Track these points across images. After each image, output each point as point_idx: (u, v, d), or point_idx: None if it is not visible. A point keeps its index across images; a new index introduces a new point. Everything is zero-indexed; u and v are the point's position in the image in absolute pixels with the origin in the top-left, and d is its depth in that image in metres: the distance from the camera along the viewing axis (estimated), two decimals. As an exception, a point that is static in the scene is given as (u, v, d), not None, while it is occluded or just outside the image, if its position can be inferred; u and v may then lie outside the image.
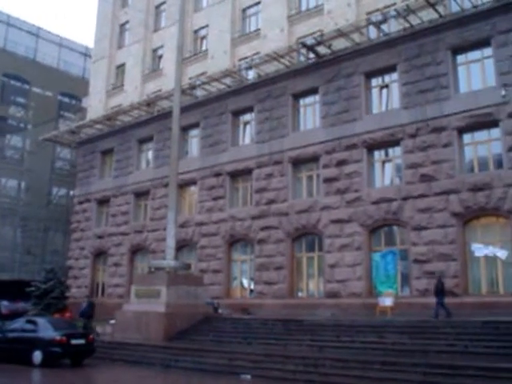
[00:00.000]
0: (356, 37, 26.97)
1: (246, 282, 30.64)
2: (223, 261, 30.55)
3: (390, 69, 26.09)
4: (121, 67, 43.33)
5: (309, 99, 29.29)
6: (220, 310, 26.10)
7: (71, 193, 48.48)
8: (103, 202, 39.48)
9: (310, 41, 28.43)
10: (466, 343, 15.23)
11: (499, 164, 22.41)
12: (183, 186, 32.75)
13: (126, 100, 40.24)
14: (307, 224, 27.13)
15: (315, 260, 27.43)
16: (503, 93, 22.10)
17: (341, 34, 26.56)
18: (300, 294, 27.81)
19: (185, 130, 34.02)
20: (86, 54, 55.26)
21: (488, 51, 23.59)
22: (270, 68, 29.99)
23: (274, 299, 27.38)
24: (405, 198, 24.04)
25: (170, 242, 24.22)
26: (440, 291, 20.15)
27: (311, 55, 28.90)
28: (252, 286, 29.62)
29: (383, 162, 26.15)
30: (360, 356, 15.66)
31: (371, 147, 25.90)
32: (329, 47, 27.43)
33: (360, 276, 24.90)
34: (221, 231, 30.79)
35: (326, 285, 26.06)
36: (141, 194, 36.83)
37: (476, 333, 16.06)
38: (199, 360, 17.66)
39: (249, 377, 15.70)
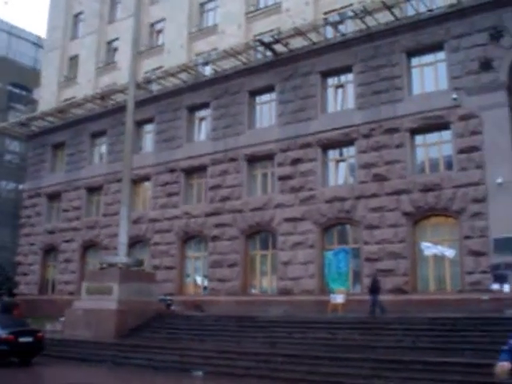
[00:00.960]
0: (313, 36, 27.19)
1: (199, 279, 30.57)
2: (176, 257, 30.39)
3: (346, 69, 26.44)
4: (74, 59, 42.40)
5: (265, 97, 29.40)
6: (173, 307, 25.97)
7: (20, 187, 47.27)
8: (54, 196, 38.67)
9: (267, 38, 28.51)
10: (414, 339, 15.60)
11: (449, 165, 23.01)
12: (137, 181, 32.41)
13: (79, 92, 39.46)
14: (261, 221, 27.25)
15: (269, 257, 27.60)
16: (454, 96, 22.67)
17: (298, 32, 26.75)
18: (253, 291, 27.93)
19: (139, 124, 33.65)
20: (37, 44, 53.99)
21: (441, 55, 24.17)
22: (227, 64, 29.97)
23: (228, 296, 27.41)
24: (358, 198, 24.41)
25: (123, 238, 23.96)
26: (375, 289, 20.61)
27: (268, 53, 29.01)
28: (205, 283, 29.58)
29: (337, 162, 26.51)
30: (311, 352, 15.86)
31: (326, 146, 26.20)
32: (286, 45, 27.59)
33: (312, 274, 25.17)
34: (174, 228, 30.61)
35: (279, 282, 26.25)
36: (93, 189, 36.26)
37: (423, 329, 16.46)
38: (151, 357, 17.56)
39: (201, 373, 15.71)
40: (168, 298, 26.38)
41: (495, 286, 20.72)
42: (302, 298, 24.89)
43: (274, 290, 26.88)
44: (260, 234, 28.01)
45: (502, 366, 4.02)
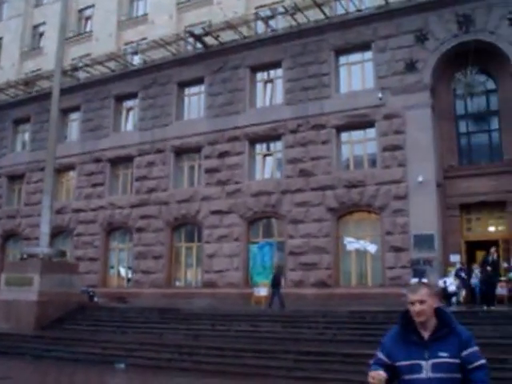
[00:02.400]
0: (244, 30, 27.22)
1: (123, 271, 30.09)
2: (100, 249, 29.77)
3: (275, 64, 26.61)
4: (-3, 42, 40.71)
5: (194, 89, 29.20)
6: (96, 299, 25.45)
7: None
8: (-29, 183, 37.03)
9: (198, 30, 28.32)
10: (335, 331, 15.96)
11: (373, 163, 23.64)
12: (61, 170, 31.49)
13: (1, 77, 37.84)
14: (187, 214, 27.09)
15: (194, 250, 27.50)
16: (380, 95, 23.26)
17: (229, 26, 26.70)
18: (178, 284, 27.76)
19: (65, 112, 32.72)
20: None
21: (368, 55, 24.74)
22: (157, 55, 29.53)
23: (152, 288, 27.12)
24: (283, 192, 24.66)
25: (45, 229, 23.25)
26: (277, 283, 21.07)
27: (199, 45, 28.80)
28: (130, 275, 29.16)
29: (264, 156, 26.71)
30: (234, 344, 15.93)
31: (253, 140, 26.32)
32: (216, 38, 27.47)
33: (237, 267, 25.27)
34: (99, 219, 29.97)
35: (203, 275, 26.21)
36: (15, 178, 34.93)
37: (344, 322, 16.86)
38: (72, 349, 17.18)
39: (123, 365, 15.49)
40: (90, 289, 25.82)
41: (414, 281, 21.42)
42: (227, 290, 24.93)
43: (198, 283, 26.82)
44: (186, 226, 27.86)
45: (378, 374, 3.24)
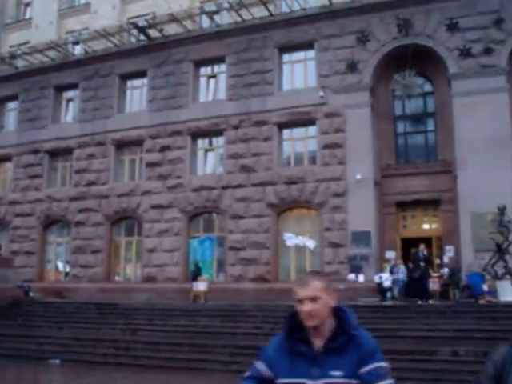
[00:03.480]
0: (188, 24, 27.08)
1: (61, 265, 29.49)
2: (37, 242, 29.04)
3: (219, 60, 26.61)
4: None
5: (137, 82, 28.84)
6: (31, 294, 24.85)
7: None
8: None
9: (141, 22, 27.94)
10: (272, 325, 16.12)
11: (313, 160, 24.01)
12: (-4, 161, 30.61)
13: None
14: (127, 208, 26.79)
15: (134, 244, 27.24)
16: (321, 94, 23.63)
17: (173, 19, 26.48)
18: (117, 278, 27.45)
19: (1, 101, 31.87)
20: None
21: (311, 53, 25.06)
22: (99, 45, 28.97)
23: (90, 283, 26.70)
24: (224, 187, 24.74)
25: (-22, 221, 22.60)
26: (197, 276, 21.38)
27: (142, 37, 28.45)
28: (67, 270, 28.62)
29: (206, 151, 26.70)
30: (172, 339, 15.93)
31: (195, 135, 26.26)
32: (160, 31, 27.22)
33: (177, 261, 25.21)
34: (36, 211, 29.23)
35: (143, 269, 26.02)
36: None
37: (281, 316, 16.96)
38: (6, 345, 16.77)
39: (58, 361, 15.26)
40: (26, 284, 25.20)
41: (351, 276, 21.98)
42: (166, 285, 24.83)
43: (138, 278, 26.60)
44: (126, 220, 27.52)
45: None
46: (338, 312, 2.53)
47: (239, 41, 25.88)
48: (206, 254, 24.74)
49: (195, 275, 21.77)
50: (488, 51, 22.11)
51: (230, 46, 26.06)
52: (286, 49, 25.44)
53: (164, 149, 26.34)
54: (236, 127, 25.03)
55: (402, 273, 20.52)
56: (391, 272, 20.80)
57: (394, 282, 20.49)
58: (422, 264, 19.97)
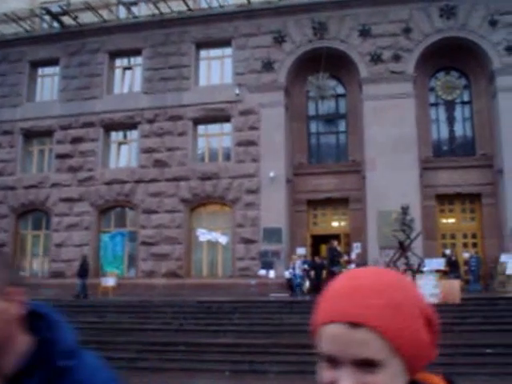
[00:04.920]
0: (105, 14, 26.46)
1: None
2: None
3: (136, 52, 26.21)
4: None
5: (48, 70, 27.86)
6: None
7: None
8: None
9: (55, 8, 26.99)
10: (181, 321, 16.18)
11: (227, 157, 24.17)
12: None
13: None
14: (35, 200, 25.88)
15: (41, 238, 26.38)
16: (237, 91, 23.81)
17: (89, 7, 25.78)
18: (23, 274, 26.48)
19: None
20: None
21: (228, 51, 25.19)
22: (8, 29, 27.74)
23: (-8, 278, 25.58)
24: (137, 181, 24.45)
25: None
26: (84, 272, 21.29)
27: (56, 24, 27.50)
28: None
29: (120, 144, 26.27)
30: (78, 336, 15.57)
31: (109, 127, 25.78)
32: (75, 19, 26.43)
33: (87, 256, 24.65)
34: None
35: (51, 264, 25.27)
36: None
37: (191, 311, 17.15)
38: None
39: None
40: None
41: (262, 272, 22.31)
42: (75, 280, 24.19)
43: (45, 273, 25.80)
44: (33, 213, 26.60)
45: None
46: (35, 323, 1.33)
47: (156, 34, 25.61)
48: (116, 248, 24.33)
49: (84, 271, 21.43)
50: (397, 58, 23.10)
51: (147, 39, 25.74)
52: (203, 45, 25.43)
53: (75, 140, 25.66)
54: (151, 121, 24.79)
55: (298, 268, 20.94)
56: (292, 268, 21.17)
57: (293, 277, 20.85)
58: (340, 260, 20.69)
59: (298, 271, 20.92)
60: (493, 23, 22.86)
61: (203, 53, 25.62)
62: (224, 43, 25.12)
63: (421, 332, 1.01)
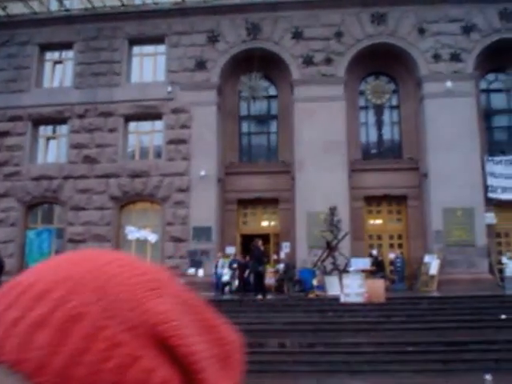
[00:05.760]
0: (35, 5, 25.80)
1: None
2: None
3: (67, 45, 25.66)
4: None
5: (-26, 61, 26.95)
6: None
7: None
8: None
9: (-18, -2, 26.20)
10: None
11: (158, 154, 24.03)
12: None
13: None
14: (-42, 195, 25.03)
15: (-36, 234, 25.50)
16: (169, 89, 23.72)
17: (18, -2, 25.17)
18: None
19: None
20: None
21: (162, 48, 25.04)
22: None
23: None
24: (66, 178, 23.97)
25: None
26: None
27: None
28: None
29: (48, 139, 25.68)
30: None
31: (37, 122, 25.12)
32: (4, 9, 25.65)
33: (12, 253, 23.93)
34: None
35: (-27, 261, 24.44)
36: None
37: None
38: None
39: None
40: None
41: (191, 271, 22.28)
42: (-2, 278, 23.56)
43: (-33, 270, 24.93)
44: (-45, 208, 25.69)
45: None
46: None
47: (89, 28, 25.16)
48: (43, 246, 23.80)
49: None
50: (328, 61, 23.55)
51: (79, 33, 25.26)
52: (136, 41, 25.19)
53: (2, 135, 24.84)
54: (81, 116, 24.36)
55: (221, 267, 21.01)
56: (230, 267, 21.31)
57: (216, 276, 20.94)
58: (265, 259, 20.82)
59: (222, 270, 20.98)
60: (421, 31, 23.61)
61: (136, 49, 25.36)
62: (157, 40, 24.94)
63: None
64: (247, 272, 20.91)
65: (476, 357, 13.05)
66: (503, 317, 15.45)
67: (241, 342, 0.68)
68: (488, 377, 11.91)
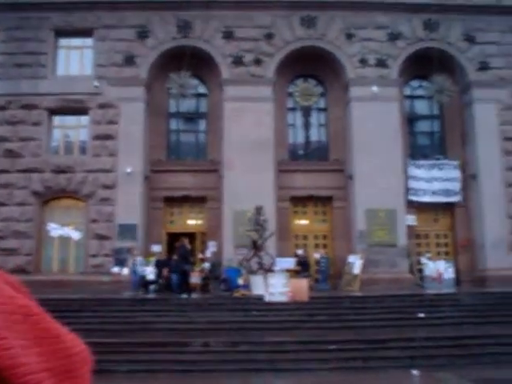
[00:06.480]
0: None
1: None
2: None
3: (-12, 35, 24.71)
4: None
5: None
6: None
7: None
8: None
9: None
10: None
11: (84, 150, 23.51)
12: None
13: None
14: None
15: None
16: (96, 84, 23.24)
17: None
18: None
19: None
20: None
21: (89, 41, 24.47)
22: None
23: None
24: (-15, 172, 23.11)
25: None
26: None
27: None
28: None
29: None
30: None
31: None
32: None
33: None
34: None
35: None
36: None
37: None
38: None
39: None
40: None
41: (116, 269, 21.91)
42: None
43: None
44: None
45: None
46: None
47: (12, 17, 24.19)
48: (-41, 242, 22.85)
49: None
50: (258, 62, 23.73)
51: (1, 22, 24.30)
52: (63, 33, 24.49)
53: None
54: (3, 108, 23.46)
55: (139, 265, 20.77)
56: (156, 265, 21.07)
57: (134, 274, 20.66)
58: (191, 258, 20.76)
59: (141, 268, 20.70)
60: (349, 36, 24.15)
61: (63, 41, 24.67)
62: (85, 33, 24.34)
63: None
64: (166, 271, 20.78)
65: (394, 354, 13.46)
66: (421, 315, 16.04)
67: (88, 352, 0.65)
68: (415, 372, 12.40)
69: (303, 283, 18.25)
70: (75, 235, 22.72)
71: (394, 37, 24.23)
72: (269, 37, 23.91)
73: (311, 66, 24.92)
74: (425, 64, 23.96)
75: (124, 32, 23.78)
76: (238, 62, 23.65)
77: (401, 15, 24.39)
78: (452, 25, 24.43)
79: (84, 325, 14.99)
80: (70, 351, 0.62)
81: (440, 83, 23.51)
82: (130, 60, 23.51)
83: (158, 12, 23.95)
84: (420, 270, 23.26)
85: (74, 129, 24.04)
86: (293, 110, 25.61)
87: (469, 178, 24.27)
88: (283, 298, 17.17)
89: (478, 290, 20.94)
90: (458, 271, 22.97)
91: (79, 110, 23.53)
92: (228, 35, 23.82)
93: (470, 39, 24.40)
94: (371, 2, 24.37)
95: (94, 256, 22.38)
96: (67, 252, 23.15)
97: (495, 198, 23.43)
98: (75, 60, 24.45)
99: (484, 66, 24.28)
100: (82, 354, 0.63)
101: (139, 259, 20.89)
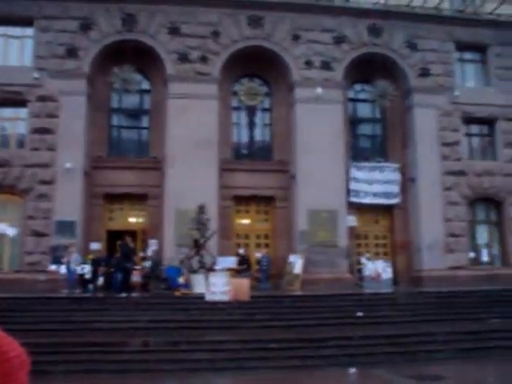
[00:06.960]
0: None
1: None
2: None
3: None
4: None
5: None
6: None
7: None
8: None
9: None
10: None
11: (21, 144, 22.76)
12: None
13: None
14: None
15: None
16: (36, 75, 22.53)
17: None
18: None
19: None
20: None
21: (30, 31, 23.65)
22: None
23: None
24: None
25: None
26: None
27: None
28: None
29: None
30: None
31: None
32: None
33: None
34: None
35: None
36: None
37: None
38: None
39: None
40: None
41: (53, 267, 21.30)
42: None
43: None
44: None
45: None
46: None
47: None
48: None
49: None
50: (204, 59, 23.56)
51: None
52: (2, 21, 23.52)
53: None
54: None
55: (75, 262, 20.27)
56: (68, 262, 20.36)
57: (69, 271, 20.12)
58: (133, 256, 20.43)
59: (77, 266, 20.21)
60: (295, 38, 24.28)
61: (1, 29, 23.72)
62: (25, 22, 23.51)
63: None
64: (102, 269, 20.38)
65: (333, 352, 13.63)
66: (359, 314, 16.34)
67: (25, 356, 0.61)
68: (352, 370, 12.59)
69: (244, 282, 18.27)
70: (10, 231, 21.96)
71: (339, 40, 24.53)
72: (215, 34, 23.75)
73: (257, 65, 24.93)
74: (368, 68, 24.39)
75: (67, 23, 23.10)
76: (183, 58, 23.39)
77: (347, 19, 24.71)
78: (395, 31, 24.95)
79: (19, 325, 14.54)
80: (6, 355, 0.58)
81: (382, 88, 23.96)
82: (72, 52, 22.87)
83: (102, 4, 23.35)
84: (359, 270, 23.66)
85: (12, 121, 23.20)
86: (237, 109, 25.57)
87: (408, 181, 24.86)
88: (224, 297, 17.14)
89: (414, 290, 21.49)
90: (395, 271, 23.48)
91: (17, 102, 22.72)
92: (173, 31, 23.51)
93: (412, 46, 25.01)
94: (318, 5, 24.59)
95: (29, 253, 21.70)
96: (1, 249, 22.37)
97: (432, 201, 24.10)
98: (14, 50, 23.60)
99: (424, 73, 24.95)
100: (19, 357, 0.59)
101: (75, 257, 20.31)
